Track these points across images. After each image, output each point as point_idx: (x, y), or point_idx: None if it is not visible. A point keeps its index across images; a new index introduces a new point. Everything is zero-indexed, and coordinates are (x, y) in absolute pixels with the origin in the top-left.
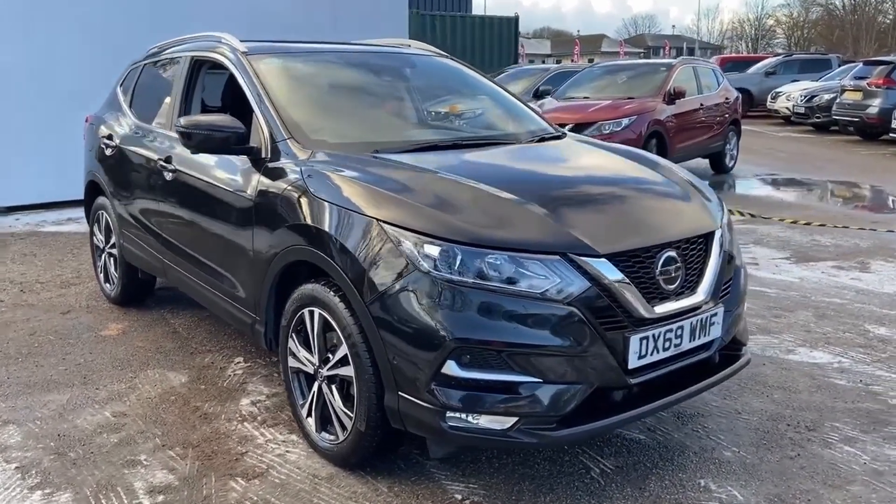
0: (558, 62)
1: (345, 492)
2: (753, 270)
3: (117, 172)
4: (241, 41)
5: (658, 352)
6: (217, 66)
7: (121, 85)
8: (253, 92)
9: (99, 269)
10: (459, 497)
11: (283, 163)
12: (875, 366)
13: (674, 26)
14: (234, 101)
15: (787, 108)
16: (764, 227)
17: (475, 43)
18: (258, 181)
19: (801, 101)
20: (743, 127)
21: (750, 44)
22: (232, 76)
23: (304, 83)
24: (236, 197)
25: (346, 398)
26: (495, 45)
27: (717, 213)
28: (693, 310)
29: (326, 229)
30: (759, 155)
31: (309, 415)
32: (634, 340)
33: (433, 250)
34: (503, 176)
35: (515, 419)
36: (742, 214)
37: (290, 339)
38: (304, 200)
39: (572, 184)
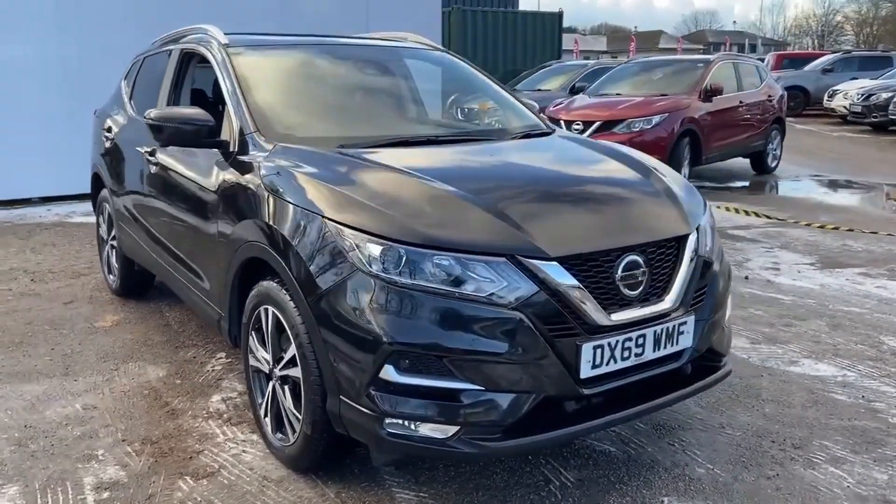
0: (613, 58)
1: (291, 496)
2: (772, 276)
3: (114, 165)
4: (226, 34)
5: (615, 361)
6: (204, 59)
7: (125, 78)
8: (227, 84)
9: (103, 261)
10: None
11: (249, 157)
12: (882, 381)
13: (735, 22)
14: (220, 95)
15: (843, 106)
16: (794, 231)
17: (517, 39)
18: (225, 175)
19: (858, 99)
20: (797, 126)
21: (816, 40)
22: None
23: (280, 77)
24: (206, 191)
25: (297, 399)
26: (538, 40)
27: (695, 217)
28: (658, 317)
29: (274, 224)
30: (808, 155)
31: (266, 415)
32: (587, 349)
33: (375, 249)
34: (463, 173)
35: (457, 428)
36: (769, 218)
37: (249, 337)
38: (258, 195)
39: (536, 182)
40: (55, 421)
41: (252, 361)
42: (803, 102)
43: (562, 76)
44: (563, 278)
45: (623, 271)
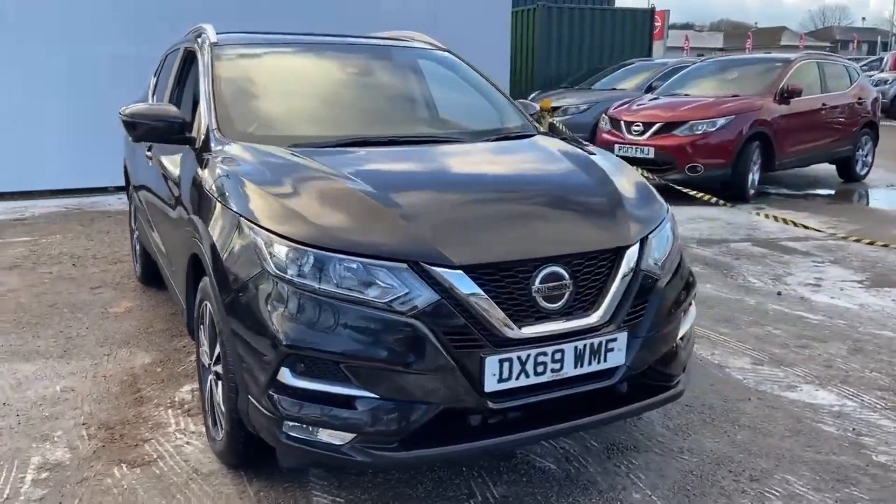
0: (725, 54)
1: (211, 490)
2: (810, 293)
3: (132, 158)
4: (219, 33)
5: (528, 376)
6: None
7: (154, 74)
8: (204, 82)
9: (132, 249)
10: None
11: (209, 153)
12: (884, 413)
13: (864, 18)
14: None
15: None
16: (855, 246)
17: (605, 36)
18: (188, 170)
19: None
20: None
21: None
22: None
23: (255, 76)
24: (175, 185)
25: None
26: (627, 37)
27: (643, 228)
28: (581, 332)
29: (205, 221)
30: None
31: (208, 409)
32: (492, 362)
33: (281, 251)
34: (396, 177)
35: (353, 435)
36: (819, 231)
37: (199, 330)
38: (202, 191)
39: (468, 187)
40: (31, 400)
41: (200, 355)
42: None
43: (641, 75)
44: (468, 287)
45: (541, 283)
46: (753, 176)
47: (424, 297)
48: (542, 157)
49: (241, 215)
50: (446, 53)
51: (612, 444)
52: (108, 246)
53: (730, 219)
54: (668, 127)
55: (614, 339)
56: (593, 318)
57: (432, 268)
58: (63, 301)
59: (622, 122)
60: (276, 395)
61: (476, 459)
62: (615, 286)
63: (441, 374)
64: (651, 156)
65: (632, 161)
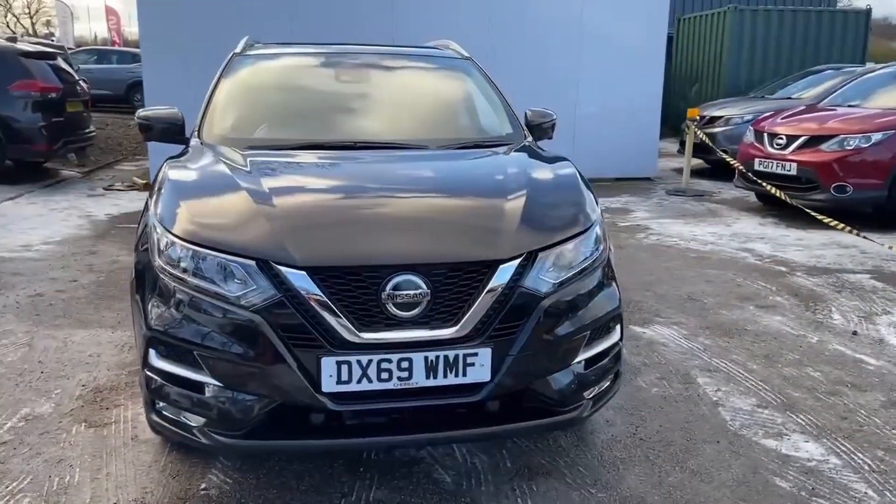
0: None
1: (129, 458)
2: (886, 332)
3: None
4: (251, 44)
5: (370, 381)
6: None
7: None
8: (210, 88)
9: None
10: (203, 486)
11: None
12: (866, 476)
13: None
14: None
15: None
16: None
17: (808, 40)
18: None
19: None
20: None
21: None
22: None
23: (254, 82)
24: None
25: None
26: (836, 41)
27: (533, 243)
28: (435, 343)
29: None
30: None
31: None
32: (328, 363)
33: (163, 242)
34: (295, 179)
35: (203, 420)
36: None
37: None
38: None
39: (354, 193)
40: (62, 361)
41: None
42: None
43: (827, 82)
44: (308, 288)
45: (392, 290)
46: None
47: (267, 294)
48: (476, 168)
49: (151, 206)
50: (466, 62)
51: (527, 466)
52: None
53: (868, 247)
54: (815, 141)
55: (474, 354)
56: (450, 331)
57: (278, 266)
58: None
59: (765, 135)
60: (148, 374)
61: (386, 460)
62: (479, 300)
63: (278, 370)
64: (793, 172)
65: (771, 178)
